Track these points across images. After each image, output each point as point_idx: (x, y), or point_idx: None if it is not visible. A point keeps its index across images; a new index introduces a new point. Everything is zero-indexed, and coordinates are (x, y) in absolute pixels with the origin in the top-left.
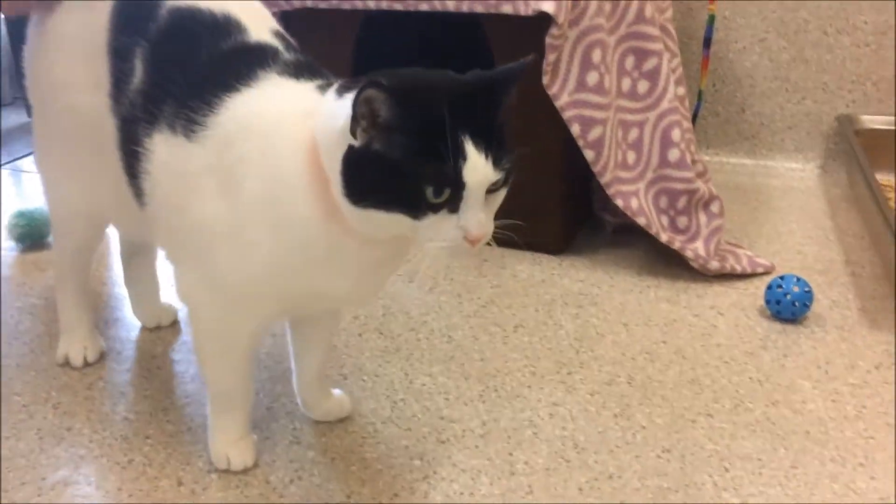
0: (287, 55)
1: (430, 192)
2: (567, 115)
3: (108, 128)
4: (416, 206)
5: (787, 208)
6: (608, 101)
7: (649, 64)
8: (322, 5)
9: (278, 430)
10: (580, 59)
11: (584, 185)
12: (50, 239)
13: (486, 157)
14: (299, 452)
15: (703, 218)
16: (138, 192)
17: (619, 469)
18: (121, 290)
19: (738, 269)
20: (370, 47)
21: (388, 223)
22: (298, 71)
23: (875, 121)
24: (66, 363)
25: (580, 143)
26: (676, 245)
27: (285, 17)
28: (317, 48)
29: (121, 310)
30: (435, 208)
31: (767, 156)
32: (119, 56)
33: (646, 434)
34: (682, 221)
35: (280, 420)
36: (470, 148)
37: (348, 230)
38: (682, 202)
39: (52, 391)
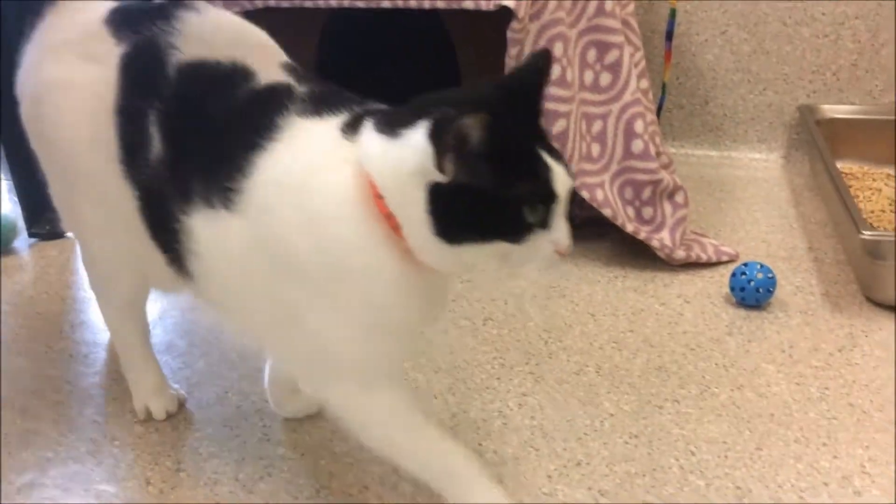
0: (301, 89)
1: (527, 212)
2: None
3: (123, 195)
4: (516, 231)
5: (751, 198)
6: (571, 94)
7: (611, 57)
8: (285, 4)
9: (248, 428)
10: None
11: None
12: (14, 245)
13: (561, 163)
14: (269, 449)
15: (668, 208)
16: (182, 271)
17: (587, 456)
18: (86, 294)
19: (704, 257)
20: (335, 44)
21: (482, 254)
22: (317, 105)
23: (836, 110)
24: (149, 417)
25: None
26: (642, 235)
27: (248, 17)
28: (281, 47)
29: (86, 313)
30: (531, 228)
31: (731, 147)
32: (129, 118)
33: (613, 421)
34: (647, 212)
35: (249, 418)
36: (548, 158)
37: (417, 265)
38: (646, 193)
39: (18, 395)
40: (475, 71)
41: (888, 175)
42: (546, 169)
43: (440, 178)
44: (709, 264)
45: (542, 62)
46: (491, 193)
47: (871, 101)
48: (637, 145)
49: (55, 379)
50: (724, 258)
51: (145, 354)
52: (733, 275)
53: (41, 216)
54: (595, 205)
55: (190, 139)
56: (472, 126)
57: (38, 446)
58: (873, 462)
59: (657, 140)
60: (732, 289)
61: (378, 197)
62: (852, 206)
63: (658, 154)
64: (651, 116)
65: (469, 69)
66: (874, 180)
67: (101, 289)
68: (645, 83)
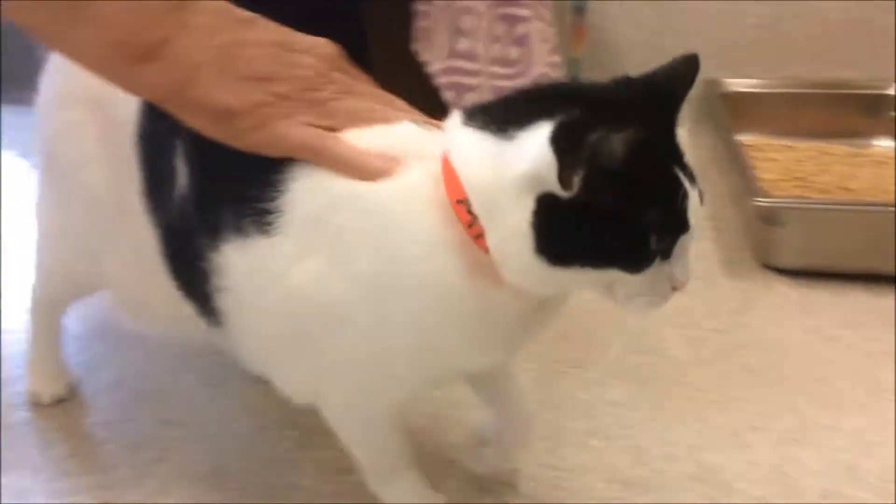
0: None
1: (654, 240)
2: (441, 81)
3: (142, 229)
4: (638, 259)
5: None
6: (480, 68)
7: (519, 30)
8: None
9: (144, 412)
10: (450, 26)
11: None
12: None
13: (696, 187)
14: (166, 432)
15: None
16: (207, 311)
17: None
18: None
19: None
20: None
21: (587, 281)
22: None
23: (738, 84)
24: (39, 402)
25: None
26: None
27: None
28: None
29: None
30: (652, 258)
31: None
32: (153, 150)
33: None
34: None
35: (146, 402)
36: (686, 182)
37: (492, 284)
38: None
39: None
40: (383, 49)
41: (786, 146)
42: (684, 196)
43: (559, 191)
44: None
45: (687, 69)
46: (618, 215)
47: (771, 75)
48: None
49: None
50: None
51: (52, 342)
52: None
53: None
54: None
55: (216, 171)
56: (618, 144)
57: None
58: (762, 416)
59: None
60: None
61: (458, 200)
62: (749, 175)
63: None
64: None
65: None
66: (773, 151)
67: (42, 283)
68: (556, 58)
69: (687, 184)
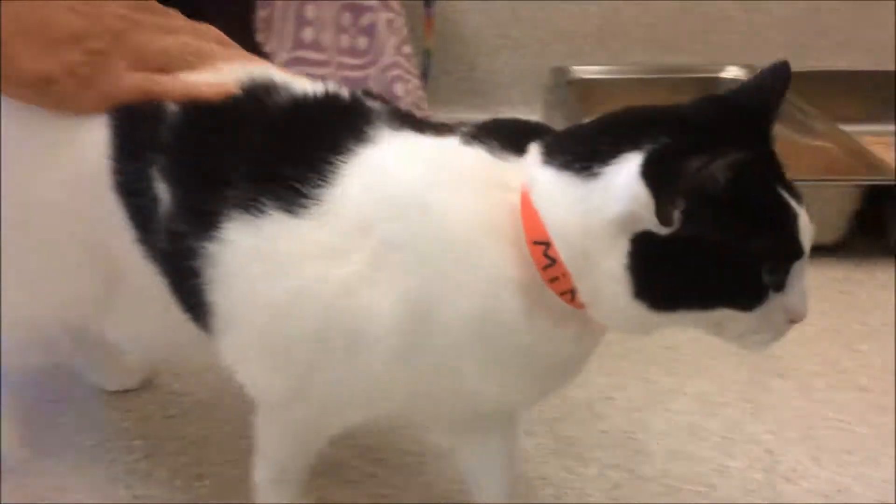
0: (374, 103)
1: (766, 270)
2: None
3: (145, 276)
4: (751, 295)
5: None
6: (327, 58)
7: (365, 20)
8: None
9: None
10: (294, 15)
11: None
12: None
13: (803, 206)
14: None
15: None
16: (200, 315)
17: None
18: None
19: None
20: None
21: (693, 322)
22: (412, 124)
23: (585, 71)
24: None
25: None
26: None
27: None
28: None
29: None
30: (765, 291)
31: (497, 110)
32: (134, 191)
33: None
34: None
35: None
36: (793, 202)
37: (561, 328)
38: None
39: None
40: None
41: None
42: (793, 217)
43: (657, 228)
44: None
45: (778, 79)
46: (726, 249)
47: (615, 62)
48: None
49: None
50: None
51: None
52: None
53: None
54: None
55: (210, 157)
56: (720, 169)
57: None
58: (614, 387)
59: (423, 105)
60: None
61: (536, 241)
62: None
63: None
64: (415, 81)
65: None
66: None
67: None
68: (407, 48)
69: (795, 204)
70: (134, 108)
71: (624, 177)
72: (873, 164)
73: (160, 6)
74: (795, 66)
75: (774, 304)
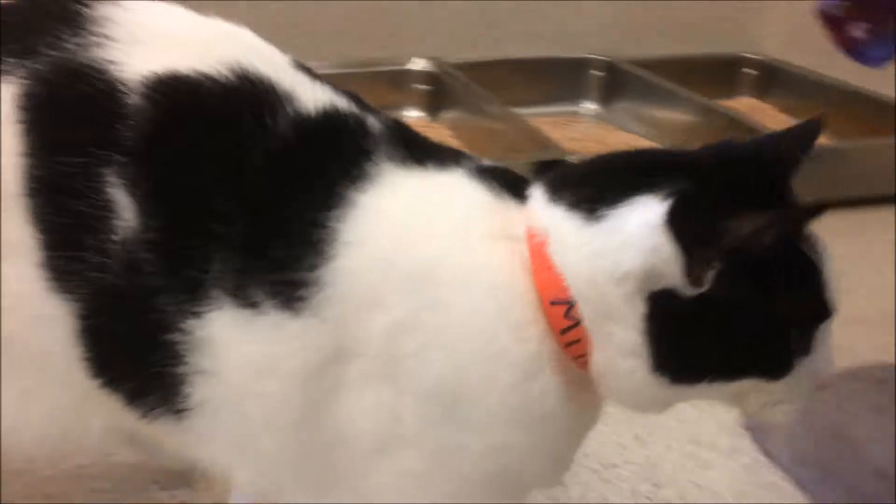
0: (373, 120)
1: (795, 335)
2: None
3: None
4: (779, 363)
5: None
6: None
7: None
8: None
9: None
10: None
11: None
12: None
13: (828, 262)
14: None
15: None
16: (166, 395)
17: None
18: None
19: None
20: None
21: (716, 395)
22: (411, 150)
23: None
24: None
25: None
26: None
27: None
28: None
29: None
30: (793, 357)
31: None
32: (62, 191)
33: None
34: None
35: None
36: (817, 258)
37: (591, 401)
38: None
39: None
40: None
41: None
42: (820, 275)
43: (682, 288)
44: None
45: (808, 133)
46: (755, 312)
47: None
48: None
49: None
50: None
51: None
52: None
53: None
54: None
55: (197, 201)
56: (769, 233)
57: None
58: None
59: None
60: None
61: (553, 301)
62: None
63: None
64: None
65: None
66: None
67: None
68: None
69: (820, 260)
70: (64, 95)
71: (641, 225)
72: (543, 143)
73: None
74: (475, 56)
75: (801, 369)
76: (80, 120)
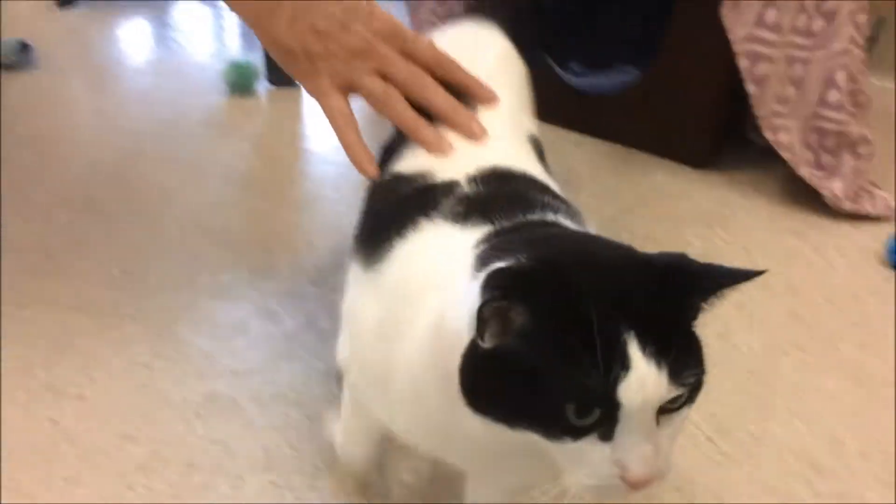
0: (471, 189)
1: (571, 411)
2: (738, 48)
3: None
4: (551, 427)
5: None
6: (781, 39)
7: (829, 5)
8: None
9: None
10: None
11: (737, 100)
12: (256, 88)
13: (660, 366)
14: None
15: (848, 158)
16: None
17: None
18: (313, 147)
19: (872, 212)
20: None
21: (516, 436)
22: (472, 208)
23: None
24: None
25: (745, 76)
26: (814, 182)
27: None
28: None
29: (312, 164)
30: (579, 432)
31: None
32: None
33: (739, 357)
34: (826, 159)
35: None
36: (635, 353)
37: None
38: (830, 141)
39: (263, 234)
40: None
41: None
42: (619, 364)
43: (479, 341)
44: (874, 219)
45: (741, 276)
46: (530, 374)
47: None
48: (833, 95)
49: (288, 223)
50: (892, 214)
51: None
52: (891, 236)
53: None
54: (776, 146)
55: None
56: (510, 309)
57: (276, 280)
58: None
59: (859, 79)
60: (888, 250)
61: None
62: None
63: (856, 101)
64: (857, 66)
65: None
66: None
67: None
68: (863, 17)
69: (636, 354)
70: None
71: (478, 283)
72: None
73: (414, 47)
74: None
75: (597, 451)
76: None
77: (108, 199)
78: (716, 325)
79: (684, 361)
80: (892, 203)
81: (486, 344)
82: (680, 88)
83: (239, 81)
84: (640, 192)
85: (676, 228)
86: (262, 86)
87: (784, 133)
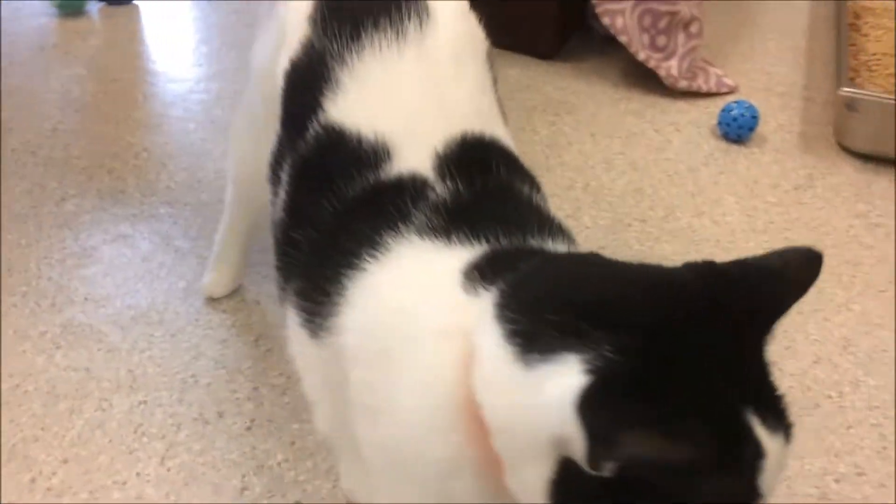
0: (443, 187)
1: None
2: None
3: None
4: None
5: (770, 24)
6: None
7: None
8: None
9: None
10: None
11: None
12: (87, 7)
13: (786, 435)
14: None
15: (681, 37)
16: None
17: None
18: (155, 66)
19: (705, 88)
20: None
21: None
22: (453, 221)
23: None
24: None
25: None
26: (651, 63)
27: None
28: None
29: (156, 85)
30: None
31: None
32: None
33: (588, 234)
34: (661, 40)
35: None
36: (762, 433)
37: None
38: (663, 22)
39: (105, 157)
40: None
41: None
42: (756, 458)
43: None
44: (708, 94)
45: (806, 268)
46: (657, 496)
47: None
48: None
49: (134, 145)
50: (724, 90)
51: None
52: (723, 110)
53: None
54: (613, 31)
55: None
56: (665, 453)
57: (126, 204)
58: None
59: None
60: (719, 123)
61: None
62: (843, 55)
63: None
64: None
65: None
66: (890, 18)
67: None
68: None
69: (763, 434)
70: None
71: (556, 396)
72: None
73: None
74: None
75: None
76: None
77: None
78: (567, 207)
79: (786, 414)
80: (725, 79)
81: (602, 473)
82: None
83: (67, 0)
84: None
85: (526, 118)
86: (94, 4)
87: (620, 17)
